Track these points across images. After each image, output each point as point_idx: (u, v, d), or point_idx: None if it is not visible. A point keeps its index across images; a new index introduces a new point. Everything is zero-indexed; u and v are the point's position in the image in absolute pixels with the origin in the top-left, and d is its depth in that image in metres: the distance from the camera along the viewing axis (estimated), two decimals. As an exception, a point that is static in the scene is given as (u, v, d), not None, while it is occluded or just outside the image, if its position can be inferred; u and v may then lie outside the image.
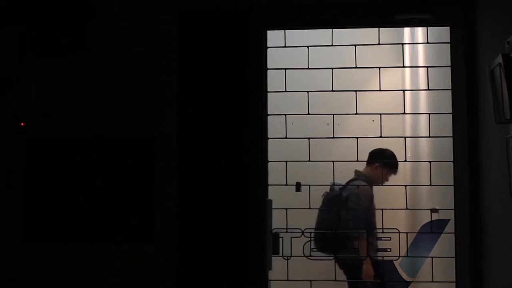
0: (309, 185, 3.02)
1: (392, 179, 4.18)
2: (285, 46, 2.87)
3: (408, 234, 3.06)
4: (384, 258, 3.37)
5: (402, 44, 3.32)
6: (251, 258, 2.68)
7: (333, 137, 3.02)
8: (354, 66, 2.87)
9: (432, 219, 3.04)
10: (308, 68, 2.86)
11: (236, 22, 2.75)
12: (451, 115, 2.68)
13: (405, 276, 3.64)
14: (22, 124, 2.79)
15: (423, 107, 3.84)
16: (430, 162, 2.96)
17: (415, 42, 4.04)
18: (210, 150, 2.72)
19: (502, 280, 2.32)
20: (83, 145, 2.78)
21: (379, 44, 2.87)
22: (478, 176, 2.58)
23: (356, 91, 2.88)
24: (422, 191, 3.80)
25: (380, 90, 2.94)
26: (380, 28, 2.87)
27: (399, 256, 3.02)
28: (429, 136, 2.97)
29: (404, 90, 3.12)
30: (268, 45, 2.80)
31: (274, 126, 2.89)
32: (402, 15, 2.72)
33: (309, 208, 3.16)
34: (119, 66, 2.78)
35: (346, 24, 2.89)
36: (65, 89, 2.81)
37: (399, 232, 2.96)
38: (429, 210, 3.09)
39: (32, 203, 2.78)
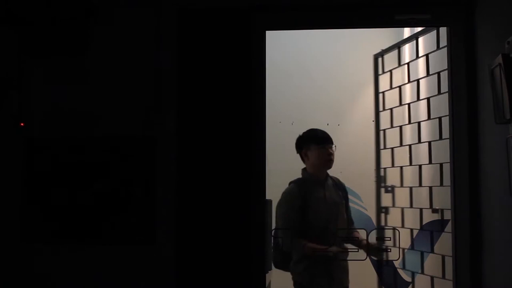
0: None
1: (392, 179, 3.59)
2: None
3: (408, 234, 3.06)
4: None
5: (400, 47, 3.31)
6: (251, 258, 2.68)
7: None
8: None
9: (432, 219, 3.04)
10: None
11: (236, 22, 2.75)
12: (450, 115, 2.68)
13: (405, 276, 3.63)
14: (22, 124, 2.79)
15: (423, 107, 3.83)
16: (429, 162, 2.95)
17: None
18: (210, 150, 2.72)
19: (502, 279, 2.32)
20: (83, 145, 2.78)
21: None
22: (478, 176, 2.59)
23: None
24: (422, 191, 3.79)
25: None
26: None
27: (399, 256, 3.03)
28: (429, 140, 2.97)
29: (403, 93, 3.12)
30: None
31: (274, 126, 2.90)
32: (402, 15, 2.72)
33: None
34: (119, 66, 2.78)
35: (346, 24, 2.90)
36: (65, 89, 2.80)
37: (399, 232, 2.97)
38: (429, 210, 3.09)
39: (31, 203, 2.78)
